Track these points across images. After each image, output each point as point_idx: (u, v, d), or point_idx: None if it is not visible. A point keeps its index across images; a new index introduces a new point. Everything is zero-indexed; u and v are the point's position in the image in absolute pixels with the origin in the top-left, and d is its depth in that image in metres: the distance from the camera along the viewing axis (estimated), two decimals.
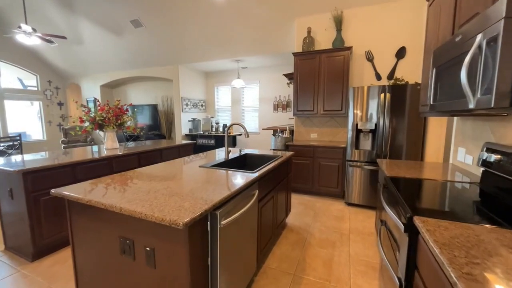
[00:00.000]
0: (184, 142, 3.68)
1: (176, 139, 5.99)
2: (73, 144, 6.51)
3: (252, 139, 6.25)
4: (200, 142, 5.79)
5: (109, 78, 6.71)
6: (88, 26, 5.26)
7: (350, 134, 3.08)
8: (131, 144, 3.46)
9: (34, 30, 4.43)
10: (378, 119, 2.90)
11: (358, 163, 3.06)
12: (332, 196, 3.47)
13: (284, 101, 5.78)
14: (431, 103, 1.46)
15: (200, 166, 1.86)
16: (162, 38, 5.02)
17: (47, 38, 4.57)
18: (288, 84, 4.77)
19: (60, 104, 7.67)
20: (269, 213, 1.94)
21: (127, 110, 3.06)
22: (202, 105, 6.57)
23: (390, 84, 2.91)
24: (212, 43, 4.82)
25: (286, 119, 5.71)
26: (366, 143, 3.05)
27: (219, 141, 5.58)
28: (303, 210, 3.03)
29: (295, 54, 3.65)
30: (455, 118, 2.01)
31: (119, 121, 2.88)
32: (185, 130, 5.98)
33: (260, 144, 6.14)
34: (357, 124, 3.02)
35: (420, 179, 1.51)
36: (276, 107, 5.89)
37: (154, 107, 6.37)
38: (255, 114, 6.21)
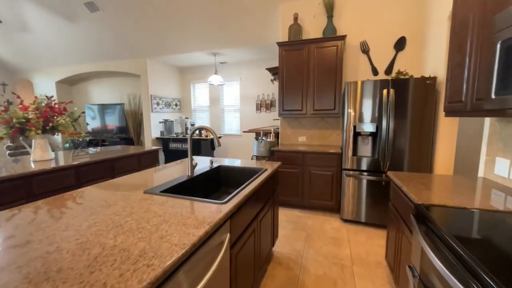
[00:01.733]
0: (148, 149, 3.00)
1: (146, 143, 5.24)
2: (20, 150, 5.52)
3: (234, 143, 5.65)
4: (173, 147, 5.09)
5: (66, 73, 5.79)
6: (32, 8, 4.38)
7: (345, 137, 2.59)
8: (78, 151, 2.73)
9: None
10: (380, 120, 2.43)
11: (357, 173, 2.57)
12: (326, 210, 2.97)
13: (268, 100, 5.25)
14: (493, 96, 0.96)
15: (145, 192, 1.24)
16: (125, 25, 4.28)
17: None
18: (272, 80, 4.23)
19: (9, 103, 6.57)
20: (249, 255, 1.37)
21: (64, 109, 2.35)
22: (176, 105, 5.86)
23: (393, 78, 2.46)
24: (184, 33, 4.17)
25: (270, 120, 5.18)
26: (365, 149, 2.58)
27: (194, 146, 4.92)
28: (292, 231, 2.49)
29: (280, 44, 3.11)
30: (488, 119, 1.55)
31: (50, 124, 2.17)
32: (156, 133, 5.25)
33: (242, 148, 5.55)
34: (354, 126, 2.53)
35: (473, 210, 1.01)
36: (259, 107, 5.34)
37: (121, 107, 5.56)
38: (237, 115, 5.62)
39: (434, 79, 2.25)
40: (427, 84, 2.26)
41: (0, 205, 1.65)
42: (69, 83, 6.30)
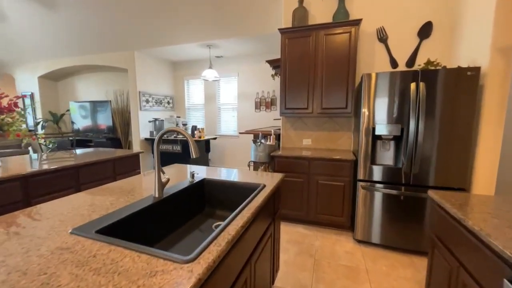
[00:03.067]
0: (125, 153, 2.55)
1: (134, 144, 4.78)
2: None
3: (231, 145, 5.20)
4: (163, 148, 4.63)
5: (49, 68, 5.33)
6: None
7: (361, 141, 2.13)
8: (47, 154, 2.28)
9: None
10: (407, 121, 1.97)
11: (374, 185, 2.12)
12: (336, 227, 2.51)
13: (268, 97, 4.79)
14: None
15: (73, 232, 0.78)
16: (108, 13, 3.82)
17: None
18: (273, 76, 3.78)
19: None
20: None
21: (15, 105, 1.89)
22: (168, 102, 5.40)
23: (422, 69, 2.00)
24: (175, 22, 3.71)
25: (270, 120, 4.72)
26: (386, 156, 2.12)
27: (186, 148, 4.46)
28: (297, 256, 2.04)
29: (282, 30, 2.66)
30: None
31: None
32: (145, 133, 4.79)
33: (240, 150, 5.10)
34: (373, 128, 2.08)
35: None
36: (258, 105, 4.88)
37: (108, 104, 5.10)
38: (234, 114, 5.16)
39: (477, 69, 1.79)
40: (468, 76, 1.81)
41: None
42: (53, 79, 5.84)
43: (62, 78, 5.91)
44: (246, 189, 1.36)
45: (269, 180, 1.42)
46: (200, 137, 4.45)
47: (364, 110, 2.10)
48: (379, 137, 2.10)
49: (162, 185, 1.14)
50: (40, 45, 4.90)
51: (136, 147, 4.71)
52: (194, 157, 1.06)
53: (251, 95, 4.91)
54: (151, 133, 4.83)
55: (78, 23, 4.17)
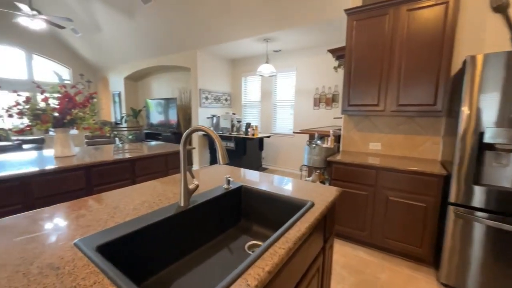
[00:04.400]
0: (177, 149, 2.60)
1: (194, 140, 5.05)
2: (95, 140, 6.17)
3: (285, 144, 4.92)
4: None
5: (131, 70, 6.16)
6: (101, 8, 4.64)
7: (460, 151, 1.54)
8: (121, 145, 2.54)
9: (38, 12, 3.93)
10: None
11: (477, 213, 1.51)
12: (411, 258, 1.96)
13: (329, 93, 4.28)
14: None
15: (76, 244, 0.68)
16: (174, 16, 4.07)
17: (49, 19, 4.03)
18: (335, 68, 3.31)
19: (92, 98, 7.53)
20: None
21: (87, 100, 2.11)
22: (226, 99, 5.50)
23: None
24: (232, 18, 3.65)
25: (330, 118, 4.22)
26: (500, 174, 1.48)
27: (240, 145, 4.42)
28: None
29: (349, 11, 2.22)
30: None
31: (68, 117, 1.93)
32: None
33: (294, 151, 4.77)
34: (480, 133, 1.47)
35: None
36: (317, 102, 4.43)
37: (174, 101, 5.55)
38: (291, 111, 4.85)
39: None
40: None
41: None
42: (134, 79, 6.75)
43: (141, 79, 6.77)
44: (289, 205, 1.09)
45: (321, 196, 1.10)
46: (253, 135, 4.34)
47: (465, 108, 1.51)
48: (490, 146, 1.47)
49: (188, 193, 0.98)
50: (125, 50, 5.69)
51: (195, 142, 4.96)
52: (221, 163, 0.86)
53: (310, 91, 4.49)
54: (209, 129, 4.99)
55: (149, 27, 4.61)
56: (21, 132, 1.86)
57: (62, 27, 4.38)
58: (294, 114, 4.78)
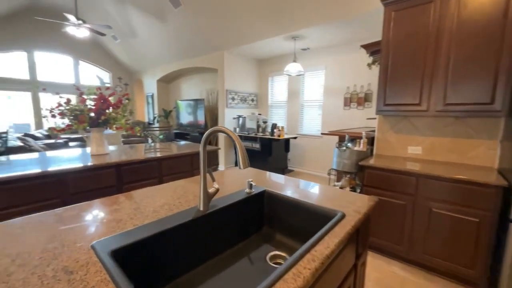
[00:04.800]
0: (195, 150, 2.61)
1: (219, 139, 5.11)
2: (130, 139, 6.59)
3: (313, 146, 4.74)
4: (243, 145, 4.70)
5: (163, 72, 6.46)
6: (136, 14, 4.93)
7: None
8: (152, 144, 2.65)
9: (83, 21, 4.29)
10: None
11: None
12: (459, 280, 1.70)
13: (362, 92, 4.01)
14: None
15: (93, 246, 0.67)
16: (202, 18, 4.14)
17: (92, 27, 4.37)
18: (369, 65, 3.07)
19: (128, 99, 8.07)
20: None
21: (119, 101, 2.21)
22: (252, 100, 5.48)
23: None
24: (261, 16, 3.60)
25: (363, 119, 3.95)
26: None
27: (265, 146, 4.35)
28: None
29: (386, 1, 2.01)
30: None
31: (102, 117, 2.04)
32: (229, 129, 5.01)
33: (322, 154, 4.56)
34: None
35: None
36: (348, 102, 4.18)
37: (202, 102, 5.68)
38: (320, 112, 4.65)
39: None
40: None
41: (34, 202, 1.53)
42: (166, 82, 7.07)
43: (172, 81, 7.06)
44: (317, 215, 0.98)
45: (352, 206, 0.98)
46: (279, 136, 4.24)
47: None
48: None
49: (208, 197, 0.94)
50: (158, 53, 5.98)
51: (221, 143, 5.01)
52: (241, 168, 0.79)
53: (340, 90, 4.26)
54: (234, 129, 5.01)
55: (180, 31, 4.76)
56: (62, 131, 2.01)
57: (103, 34, 4.73)
58: (322, 115, 4.57)
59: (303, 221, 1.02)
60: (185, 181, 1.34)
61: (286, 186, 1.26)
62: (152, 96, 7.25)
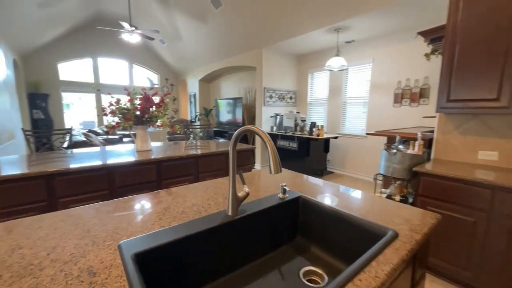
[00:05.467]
0: (240, 147, 2.60)
1: (257, 138, 5.08)
2: (174, 136, 7.04)
3: (356, 147, 4.38)
4: (280, 144, 4.59)
5: (204, 72, 6.72)
6: (181, 18, 5.20)
7: None
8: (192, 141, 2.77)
9: (136, 27, 4.69)
10: None
11: None
12: None
13: (416, 87, 3.53)
14: None
15: (120, 246, 0.66)
16: (242, 16, 4.14)
17: (143, 32, 4.74)
18: (428, 55, 2.66)
19: (174, 99, 8.67)
20: None
21: (161, 101, 2.31)
22: (291, 98, 5.31)
23: None
24: (302, 10, 3.43)
25: (417, 118, 3.49)
26: None
27: (303, 146, 4.16)
28: None
29: None
30: None
31: (146, 116, 2.16)
32: (266, 128, 4.96)
33: (366, 156, 4.18)
34: None
35: None
36: (399, 98, 3.73)
37: (239, 101, 5.74)
38: (365, 109, 4.27)
39: None
40: None
41: (87, 192, 1.69)
42: (207, 81, 7.35)
43: (212, 80, 7.31)
44: (361, 230, 0.84)
45: (407, 223, 0.81)
46: (318, 135, 4.01)
47: None
48: None
49: (237, 201, 0.87)
50: (200, 54, 6.23)
51: (259, 140, 4.98)
52: (272, 173, 0.70)
53: (390, 85, 3.82)
54: (272, 128, 4.93)
55: (220, 31, 4.86)
56: (112, 128, 2.19)
57: (152, 39, 5.11)
58: (367, 113, 4.18)
59: (344, 235, 0.89)
60: (217, 181, 1.31)
61: (324, 192, 1.12)
62: (194, 96, 7.62)
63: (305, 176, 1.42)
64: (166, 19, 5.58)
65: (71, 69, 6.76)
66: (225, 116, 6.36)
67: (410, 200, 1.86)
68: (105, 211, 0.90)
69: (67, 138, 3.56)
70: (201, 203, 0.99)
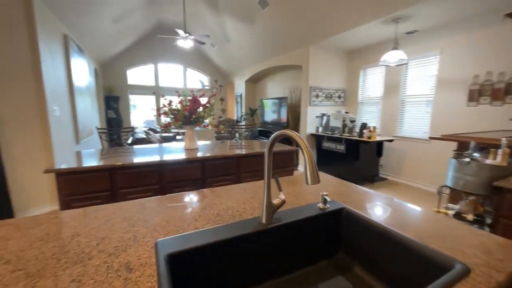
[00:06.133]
0: (280, 148, 2.54)
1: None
2: (221, 135, 7.38)
3: (416, 152, 3.85)
4: (325, 146, 4.35)
5: (251, 73, 6.84)
6: (229, 21, 5.39)
7: None
8: (236, 140, 2.86)
9: (189, 34, 5.06)
10: None
11: None
12: None
13: (501, 82, 2.89)
14: None
15: (156, 244, 0.69)
16: (289, 15, 4.05)
17: (196, 38, 5.08)
18: None
19: (222, 99, 9.09)
20: None
21: (208, 101, 2.42)
22: (339, 97, 4.99)
23: None
24: (353, 1, 3.17)
25: (499, 119, 2.86)
26: None
27: (352, 148, 3.85)
28: None
29: None
30: None
31: (193, 116, 2.29)
32: (311, 129, 4.77)
33: (429, 163, 3.63)
34: None
35: None
36: (475, 96, 3.12)
37: (284, 101, 5.66)
38: (428, 110, 3.72)
39: None
40: None
41: (141, 186, 1.88)
42: (253, 82, 7.47)
43: (258, 80, 7.40)
44: (419, 258, 0.70)
45: (484, 255, 0.64)
46: (370, 138, 3.66)
47: None
48: None
49: (272, 208, 0.83)
50: (247, 55, 6.37)
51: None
52: (309, 183, 0.64)
53: (462, 80, 3.23)
54: (317, 128, 4.72)
55: (267, 31, 4.86)
56: (165, 127, 2.39)
57: (203, 43, 5.44)
58: (432, 113, 3.62)
59: (395, 259, 0.76)
60: (255, 184, 1.29)
61: (373, 205, 0.99)
62: (240, 96, 7.84)
63: (351, 184, 1.29)
64: (216, 23, 5.87)
65: (137, 74, 7.72)
66: (270, 115, 6.37)
67: (488, 221, 1.52)
68: (149, 208, 0.97)
69: (131, 135, 4.06)
70: (236, 206, 0.98)
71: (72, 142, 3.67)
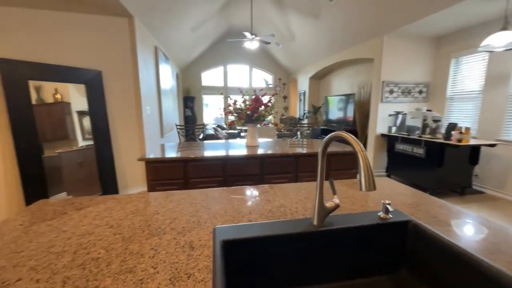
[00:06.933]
0: (338, 150, 2.40)
1: (369, 139, 4.49)
2: (282, 133, 7.43)
3: None
4: (399, 149, 3.82)
5: (315, 69, 6.61)
6: (294, 18, 5.34)
7: None
8: (296, 139, 2.90)
9: (255, 35, 5.28)
10: None
11: None
12: None
13: None
14: None
15: (215, 229, 0.78)
16: (360, 2, 3.72)
17: (261, 38, 5.25)
18: None
19: (285, 97, 9.12)
20: None
21: (269, 101, 2.49)
22: (420, 92, 4.28)
23: None
24: None
25: None
26: None
27: (433, 153, 3.26)
28: None
29: None
30: None
31: (255, 115, 2.40)
32: (382, 128, 4.28)
33: None
34: None
35: None
36: None
37: (352, 97, 5.25)
38: None
39: None
40: None
41: (209, 177, 2.11)
42: (317, 78, 7.20)
43: (323, 77, 7.08)
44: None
45: None
46: (460, 140, 3.03)
47: None
48: None
49: (324, 211, 0.81)
50: (311, 51, 6.18)
51: (370, 143, 4.39)
52: (363, 190, 0.60)
53: None
54: (390, 128, 4.19)
55: (333, 24, 4.58)
56: (229, 125, 2.60)
57: (268, 43, 5.57)
58: None
59: (475, 285, 0.63)
60: (311, 184, 1.28)
61: (450, 222, 0.84)
62: (304, 93, 7.69)
63: (424, 194, 1.12)
64: (281, 21, 5.91)
65: (209, 76, 8.57)
66: (335, 113, 6.03)
67: None
68: (211, 197, 1.09)
69: (202, 131, 4.56)
70: (289, 205, 1.00)
71: (158, 136, 4.40)
